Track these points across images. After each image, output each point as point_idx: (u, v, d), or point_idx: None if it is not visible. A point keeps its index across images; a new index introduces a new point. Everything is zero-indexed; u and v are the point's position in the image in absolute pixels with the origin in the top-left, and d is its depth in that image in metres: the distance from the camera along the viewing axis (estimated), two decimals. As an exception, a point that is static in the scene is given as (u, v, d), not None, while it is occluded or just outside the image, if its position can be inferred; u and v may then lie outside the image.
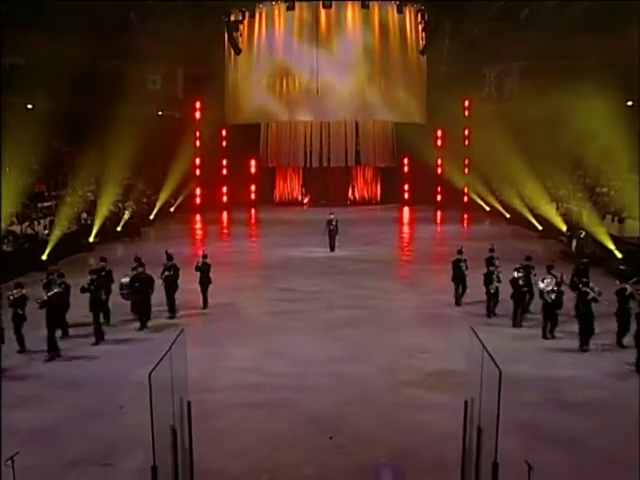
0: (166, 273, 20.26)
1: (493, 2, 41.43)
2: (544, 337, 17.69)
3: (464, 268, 21.10)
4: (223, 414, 13.14)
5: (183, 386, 9.22)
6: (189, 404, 9.45)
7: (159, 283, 20.13)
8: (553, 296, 17.49)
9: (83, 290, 17.86)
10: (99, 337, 17.73)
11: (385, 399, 13.92)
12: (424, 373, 15.31)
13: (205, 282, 21.33)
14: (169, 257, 20.90)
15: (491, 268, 19.93)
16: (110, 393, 14.05)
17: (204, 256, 21.66)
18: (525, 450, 10.78)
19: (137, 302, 19.50)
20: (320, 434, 12.27)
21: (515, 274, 18.96)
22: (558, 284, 17.64)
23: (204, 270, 21.30)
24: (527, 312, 19.54)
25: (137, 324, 19.18)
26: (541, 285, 17.81)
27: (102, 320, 18.37)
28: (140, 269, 19.50)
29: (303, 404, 13.63)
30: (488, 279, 19.88)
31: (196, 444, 9.82)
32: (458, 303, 21.37)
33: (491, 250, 21.65)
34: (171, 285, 20.31)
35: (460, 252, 21.46)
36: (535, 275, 19.58)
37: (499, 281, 19.64)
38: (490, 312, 19.89)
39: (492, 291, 19.72)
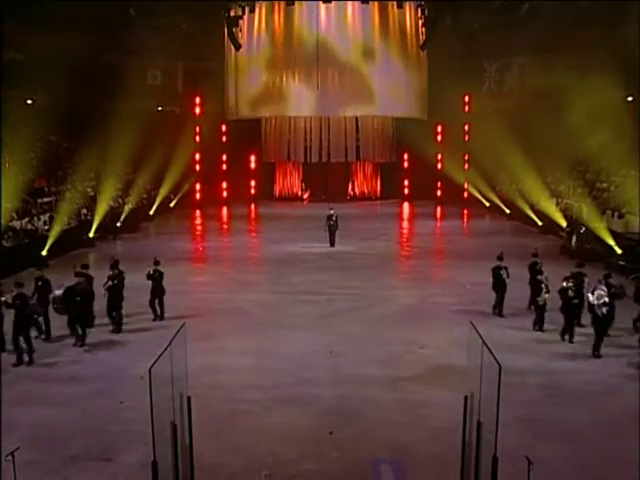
0: (109, 283, 18.43)
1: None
2: (595, 355, 16.02)
3: (505, 276, 19.42)
4: (223, 409, 13.16)
5: (183, 381, 9.23)
6: (189, 399, 9.46)
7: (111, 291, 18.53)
8: (605, 310, 15.96)
9: (8, 305, 15.95)
10: (19, 360, 15.71)
11: (385, 394, 13.93)
12: (424, 368, 15.32)
13: (158, 292, 19.51)
14: (114, 265, 18.91)
15: (539, 277, 18.36)
16: (110, 388, 14.09)
17: (156, 263, 19.68)
18: (525, 445, 10.81)
19: (73, 317, 17.25)
20: (320, 429, 12.28)
21: (564, 284, 17.21)
22: (616, 295, 16.41)
23: (157, 279, 19.49)
24: (580, 325, 17.78)
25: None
26: (591, 298, 16.15)
27: (35, 334, 16.89)
28: (81, 279, 17.73)
29: (303, 399, 13.64)
30: (536, 289, 18.45)
31: (196, 439, 9.83)
32: (500, 313, 19.63)
33: (534, 255, 20.25)
34: (115, 296, 18.45)
35: (500, 258, 19.81)
36: (588, 284, 17.81)
37: (548, 291, 17.91)
38: (541, 325, 18.11)
39: (541, 303, 18.03)
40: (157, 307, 19.52)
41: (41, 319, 17.46)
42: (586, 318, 17.22)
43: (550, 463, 10.76)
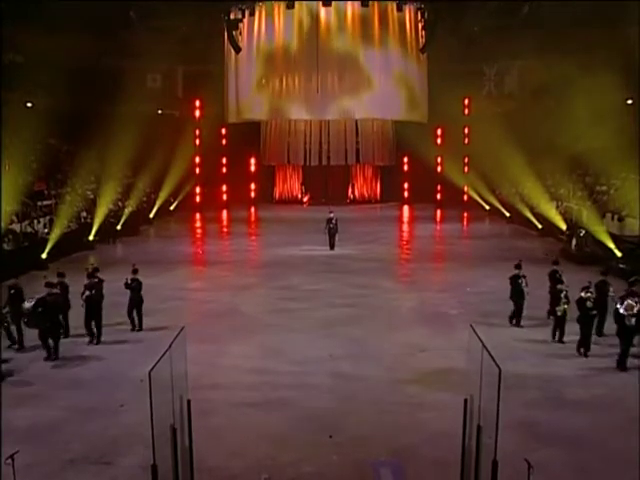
0: (87, 293, 17.54)
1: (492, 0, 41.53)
2: (620, 368, 15.40)
3: (524, 285, 18.64)
4: (223, 412, 13.15)
5: (183, 384, 9.22)
6: (189, 402, 9.45)
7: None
8: (633, 320, 15.29)
9: None
10: None
11: (385, 397, 13.92)
12: (424, 371, 15.32)
13: (136, 302, 18.72)
14: (91, 274, 18.19)
15: (559, 286, 17.53)
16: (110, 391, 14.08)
17: (134, 271, 18.91)
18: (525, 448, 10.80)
19: (44, 330, 16.41)
20: (319, 432, 12.27)
21: (582, 294, 16.32)
22: None
23: (135, 288, 18.69)
24: (601, 335, 17.38)
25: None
26: (620, 309, 15.33)
27: (8, 344, 16.64)
28: (52, 290, 16.81)
29: (302, 402, 13.64)
30: (555, 299, 17.53)
31: (196, 442, 9.82)
32: (518, 324, 18.86)
33: (555, 263, 19.52)
34: (93, 307, 17.59)
35: (518, 266, 19.01)
36: (614, 292, 17.23)
37: (567, 302, 17.08)
38: (561, 337, 17.32)
39: (559, 314, 17.24)
40: (135, 317, 18.75)
41: (14, 328, 17.02)
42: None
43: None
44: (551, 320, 17.94)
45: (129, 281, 18.68)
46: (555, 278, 18.46)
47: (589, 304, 16.21)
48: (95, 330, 17.62)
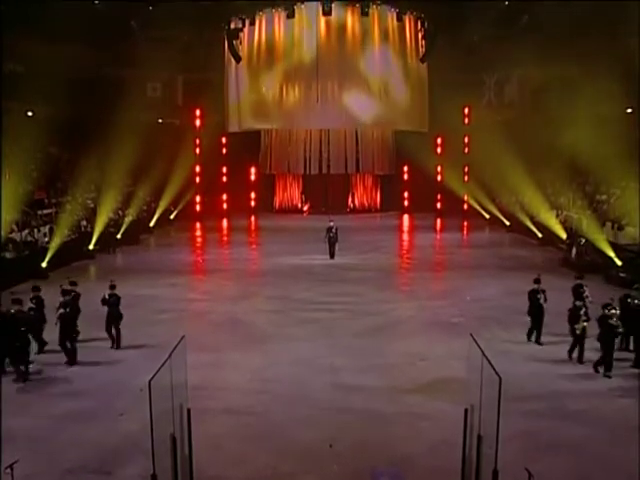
0: (61, 311, 16.75)
1: (492, 9, 41.60)
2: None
3: (542, 300, 17.95)
4: (222, 421, 13.13)
5: (183, 393, 9.22)
6: (189, 411, 9.44)
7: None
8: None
9: None
10: None
11: (385, 406, 13.90)
12: (424, 380, 15.30)
13: (115, 318, 17.96)
14: (65, 291, 17.40)
15: (577, 303, 16.78)
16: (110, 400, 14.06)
17: (112, 286, 18.17)
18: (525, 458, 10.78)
19: (11, 350, 15.70)
20: (320, 442, 12.26)
21: (605, 311, 15.62)
22: None
23: (113, 304, 17.89)
24: (628, 351, 16.82)
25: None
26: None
27: None
28: (16, 307, 15.93)
29: (303, 411, 13.62)
30: (574, 316, 16.69)
31: (196, 451, 9.81)
32: (538, 341, 18.12)
33: (579, 277, 18.89)
34: (68, 325, 16.77)
35: (537, 281, 18.28)
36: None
37: (587, 319, 16.44)
38: (580, 357, 16.51)
39: (578, 332, 16.43)
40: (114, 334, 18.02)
41: None
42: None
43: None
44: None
45: (107, 296, 17.88)
46: (578, 293, 17.66)
47: (615, 322, 15.53)
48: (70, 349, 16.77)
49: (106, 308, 17.92)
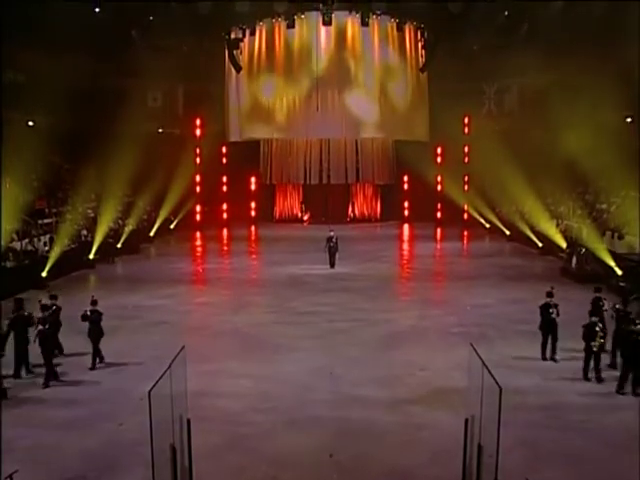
0: (39, 327, 16.01)
1: (492, 19, 41.76)
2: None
3: (554, 314, 17.14)
4: (222, 431, 13.10)
5: (183, 403, 9.20)
6: (189, 422, 9.43)
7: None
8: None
9: None
10: None
11: (385, 416, 13.87)
12: (424, 390, 15.26)
13: (96, 335, 17.06)
14: (45, 307, 16.64)
15: (593, 318, 15.93)
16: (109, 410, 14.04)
17: (93, 302, 17.28)
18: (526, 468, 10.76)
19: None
20: (320, 452, 12.22)
21: (632, 327, 15.00)
22: None
23: (94, 320, 17.05)
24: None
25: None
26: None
27: None
28: None
29: (303, 421, 13.59)
30: (590, 332, 15.78)
31: (195, 461, 9.79)
32: (553, 357, 17.30)
33: (597, 290, 18.00)
34: (48, 343, 16.10)
35: (550, 294, 17.39)
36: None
37: (603, 336, 15.80)
38: (598, 375, 15.76)
39: (595, 349, 15.66)
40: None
41: None
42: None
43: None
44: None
45: (88, 312, 17.02)
46: (597, 307, 16.99)
47: None
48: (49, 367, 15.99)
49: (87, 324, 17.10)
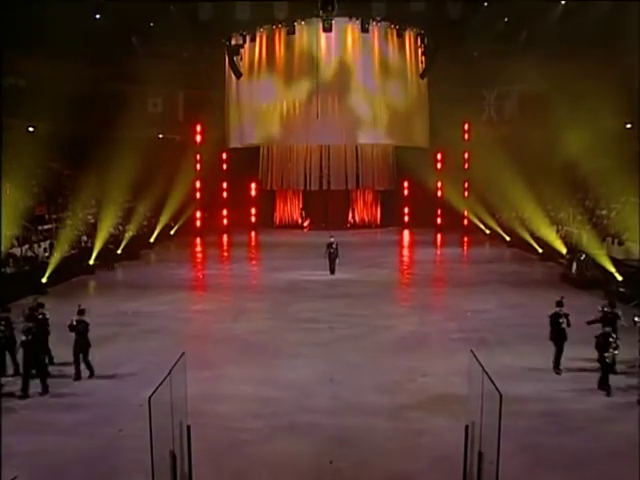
0: (22, 338, 15.58)
1: (492, 25, 41.85)
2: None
3: (565, 324, 16.72)
4: (223, 438, 13.08)
5: (183, 410, 9.19)
6: (189, 428, 9.41)
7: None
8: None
9: None
10: None
11: (385, 423, 13.84)
12: (424, 396, 15.24)
13: (82, 347, 16.48)
14: (30, 316, 16.27)
15: (607, 329, 15.55)
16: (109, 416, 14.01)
17: (80, 312, 16.70)
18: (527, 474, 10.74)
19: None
20: (320, 458, 12.20)
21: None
22: None
23: (81, 331, 16.45)
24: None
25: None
26: None
27: None
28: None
29: (303, 428, 13.56)
30: (604, 342, 15.32)
31: (195, 468, 9.77)
32: (556, 368, 16.89)
33: (611, 305, 17.14)
34: (30, 354, 15.53)
35: (560, 304, 17.01)
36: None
37: (616, 347, 15.27)
38: (608, 387, 15.28)
39: (609, 361, 15.24)
40: (81, 363, 16.59)
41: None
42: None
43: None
44: None
45: (74, 322, 16.42)
46: (614, 317, 16.59)
47: None
48: (31, 378, 15.44)
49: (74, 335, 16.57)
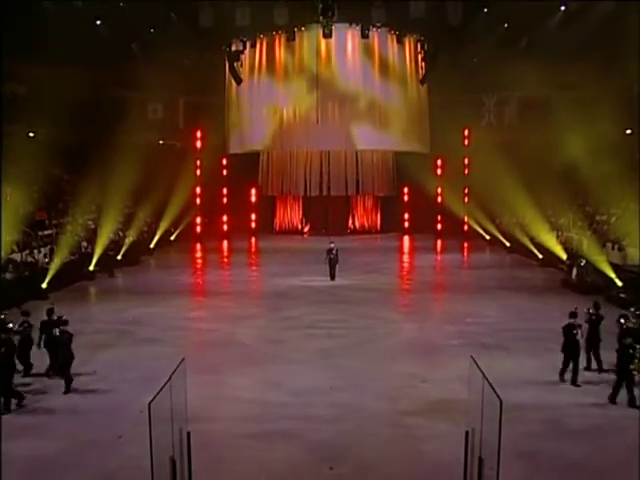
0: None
1: (492, 31, 41.95)
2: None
3: (579, 336, 16.18)
4: (222, 444, 13.05)
5: (183, 416, 9.17)
6: (189, 434, 9.39)
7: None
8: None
9: None
10: None
11: (386, 428, 13.82)
12: (425, 402, 15.21)
13: (65, 359, 15.81)
14: (8, 329, 15.56)
15: (627, 341, 14.90)
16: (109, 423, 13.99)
17: (63, 323, 16.16)
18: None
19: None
20: (320, 464, 12.18)
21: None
22: None
23: (64, 342, 15.76)
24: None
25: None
26: None
27: None
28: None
29: (303, 434, 13.53)
30: (625, 355, 14.74)
31: (195, 474, 9.75)
32: (574, 382, 16.17)
33: (624, 317, 16.65)
34: (4, 366, 14.59)
35: (574, 314, 16.34)
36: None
37: (638, 359, 14.51)
38: (633, 398, 14.72)
39: (636, 372, 14.64)
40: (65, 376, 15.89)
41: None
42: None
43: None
44: None
45: (57, 333, 15.93)
46: (623, 327, 16.27)
47: None
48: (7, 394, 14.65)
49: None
